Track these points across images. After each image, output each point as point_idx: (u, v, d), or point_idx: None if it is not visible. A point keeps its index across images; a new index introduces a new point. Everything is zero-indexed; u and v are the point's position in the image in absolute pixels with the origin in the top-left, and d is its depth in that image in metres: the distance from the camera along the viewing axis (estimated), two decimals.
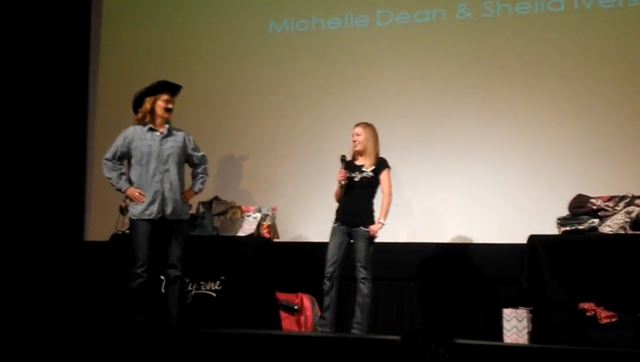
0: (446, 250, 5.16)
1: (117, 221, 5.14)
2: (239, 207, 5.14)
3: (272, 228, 5.09)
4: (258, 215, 5.04)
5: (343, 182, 4.51)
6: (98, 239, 5.57)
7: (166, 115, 4.50)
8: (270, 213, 5.06)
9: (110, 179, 4.56)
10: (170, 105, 4.51)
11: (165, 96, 4.50)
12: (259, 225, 5.01)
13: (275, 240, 5.13)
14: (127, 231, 4.78)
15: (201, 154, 4.72)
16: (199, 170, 4.73)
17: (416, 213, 5.32)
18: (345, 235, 4.56)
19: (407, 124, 5.38)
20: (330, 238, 4.58)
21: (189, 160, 4.69)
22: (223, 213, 5.11)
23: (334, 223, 4.61)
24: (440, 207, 5.26)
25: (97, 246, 5.47)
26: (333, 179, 4.76)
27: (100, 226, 5.67)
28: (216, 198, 5.22)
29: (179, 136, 4.60)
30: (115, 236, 5.13)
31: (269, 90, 5.74)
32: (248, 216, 5.04)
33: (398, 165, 4.96)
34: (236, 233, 5.00)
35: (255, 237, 4.99)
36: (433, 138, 5.33)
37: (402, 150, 5.23)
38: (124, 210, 5.04)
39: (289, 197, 5.51)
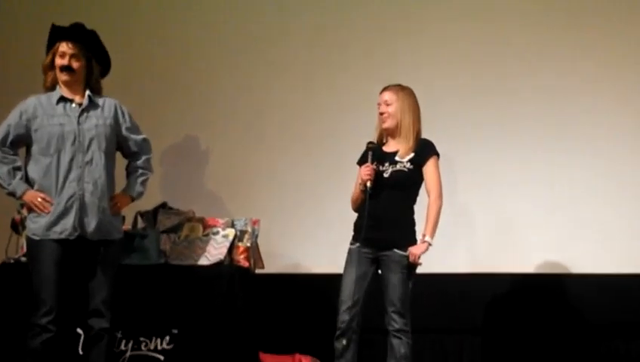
0: (529, 285, 5.14)
1: (7, 243, 5.07)
2: (201, 220, 5.11)
3: (253, 251, 5.06)
4: (230, 232, 5.01)
5: (369, 184, 4.45)
6: None
7: (63, 78, 4.49)
8: (250, 229, 5.05)
9: None
10: (65, 61, 4.48)
11: (63, 47, 4.50)
12: (232, 248, 4.99)
13: (258, 270, 5.14)
14: (24, 259, 4.81)
15: (141, 137, 4.66)
16: (139, 162, 4.66)
17: (481, 229, 5.30)
18: (369, 263, 4.50)
19: (465, 93, 5.35)
20: (346, 267, 4.52)
21: (122, 145, 4.63)
22: (176, 230, 5.10)
23: (352, 243, 4.55)
24: (518, 219, 5.26)
25: None
26: (346, 176, 4.69)
27: None
28: (164, 206, 5.21)
29: (107, 107, 4.54)
30: (4, 266, 5.06)
31: (247, 44, 5.77)
32: (215, 234, 5.03)
33: (451, 154, 4.91)
34: (196, 260, 4.98)
35: (226, 267, 4.97)
36: (507, 115, 5.31)
37: (457, 132, 5.22)
38: (18, 226, 5.02)
39: (279, 203, 5.54)
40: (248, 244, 4.97)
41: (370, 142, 4.54)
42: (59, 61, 4.47)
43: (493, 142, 5.33)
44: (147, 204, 5.06)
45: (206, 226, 5.02)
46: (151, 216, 5.11)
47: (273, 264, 5.22)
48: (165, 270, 4.94)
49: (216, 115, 5.73)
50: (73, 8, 5.76)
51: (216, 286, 4.84)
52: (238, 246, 4.96)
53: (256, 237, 5.03)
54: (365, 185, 4.44)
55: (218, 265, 4.89)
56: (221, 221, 5.03)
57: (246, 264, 4.95)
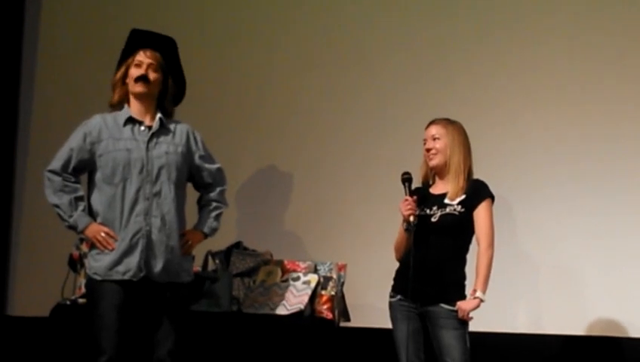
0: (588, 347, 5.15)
1: (64, 282, 5.11)
2: (279, 263, 5.11)
3: (338, 301, 5.02)
4: (312, 278, 5.00)
5: (412, 219, 4.40)
6: (30, 314, 5.69)
7: (137, 89, 4.46)
8: (335, 276, 5.01)
9: (58, 207, 4.41)
10: (143, 71, 4.47)
11: (140, 56, 4.50)
12: (314, 297, 4.97)
13: (343, 324, 5.08)
14: (82, 301, 4.86)
15: (216, 166, 4.64)
16: (212, 194, 4.63)
17: (544, 282, 5.29)
18: (414, 318, 4.43)
19: (535, 122, 5.36)
20: (395, 325, 4.47)
21: (195, 176, 4.61)
22: (250, 274, 5.10)
23: (391, 296, 4.51)
24: (588, 273, 5.21)
25: (29, 324, 5.60)
26: None
27: (35, 292, 5.76)
28: (238, 246, 5.22)
29: (178, 133, 4.52)
30: (59, 308, 5.10)
31: (334, 85, 5.82)
32: (295, 280, 5.02)
33: (509, 197, 5.04)
34: (273, 309, 4.97)
35: (307, 318, 4.94)
36: (580, 157, 5.29)
37: (518, 171, 5.29)
38: (76, 264, 5.05)
39: (368, 247, 5.47)
40: (333, 293, 4.93)
41: (405, 173, 4.46)
42: (134, 71, 4.44)
43: (559, 189, 5.28)
44: (220, 243, 5.04)
45: (285, 271, 5.01)
46: (223, 257, 5.10)
47: (361, 316, 5.17)
48: (238, 319, 4.94)
49: (302, 149, 5.76)
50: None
51: (295, 339, 4.82)
52: (322, 295, 4.92)
53: (342, 284, 4.98)
54: (409, 222, 4.35)
55: (298, 315, 4.86)
56: (302, 265, 5.01)
57: (329, 315, 4.90)
